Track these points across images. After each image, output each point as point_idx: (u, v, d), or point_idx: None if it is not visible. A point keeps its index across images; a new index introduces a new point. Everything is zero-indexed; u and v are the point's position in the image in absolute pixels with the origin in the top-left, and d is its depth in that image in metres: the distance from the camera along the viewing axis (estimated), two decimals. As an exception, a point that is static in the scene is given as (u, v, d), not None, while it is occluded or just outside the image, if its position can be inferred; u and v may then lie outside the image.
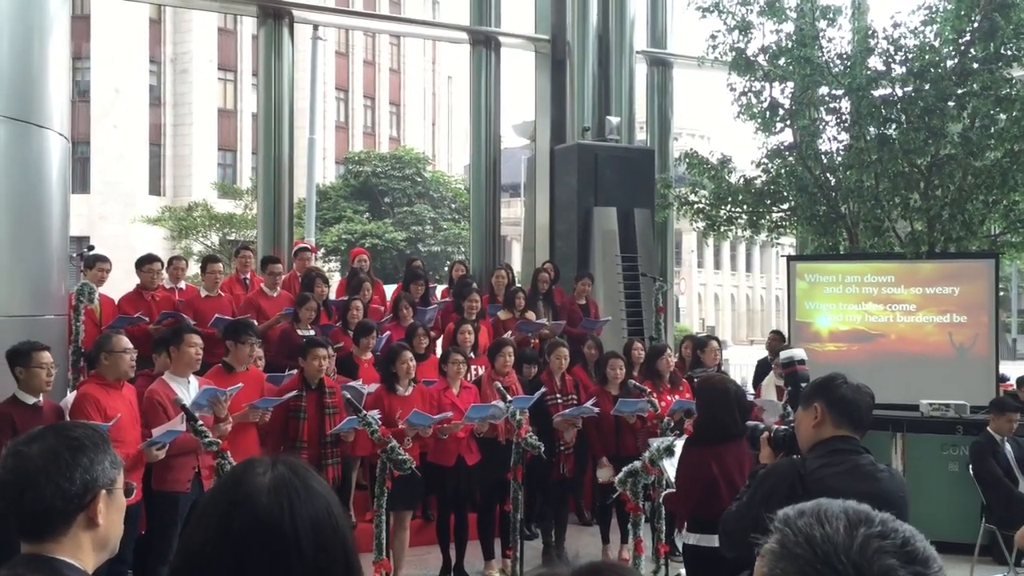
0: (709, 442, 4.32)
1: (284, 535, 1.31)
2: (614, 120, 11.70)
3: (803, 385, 3.37)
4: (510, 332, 8.24)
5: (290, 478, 1.36)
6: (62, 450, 1.75)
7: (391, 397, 6.35)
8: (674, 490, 4.69)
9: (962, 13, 9.18)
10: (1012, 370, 11.97)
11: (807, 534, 1.10)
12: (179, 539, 1.40)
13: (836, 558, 1.07)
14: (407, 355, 6.46)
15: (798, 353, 3.90)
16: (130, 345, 5.24)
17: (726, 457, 4.22)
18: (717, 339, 8.60)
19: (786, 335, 9.54)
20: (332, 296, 9.12)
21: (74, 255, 8.01)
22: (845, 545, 1.08)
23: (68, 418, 4.99)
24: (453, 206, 31.85)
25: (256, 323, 6.86)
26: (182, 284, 8.49)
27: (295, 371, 6.55)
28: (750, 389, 9.22)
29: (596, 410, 6.87)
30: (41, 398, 4.97)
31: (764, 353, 10.62)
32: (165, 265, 8.34)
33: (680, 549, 7.26)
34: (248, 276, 8.78)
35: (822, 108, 10.13)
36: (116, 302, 7.82)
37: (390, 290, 9.73)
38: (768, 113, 10.25)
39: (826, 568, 1.07)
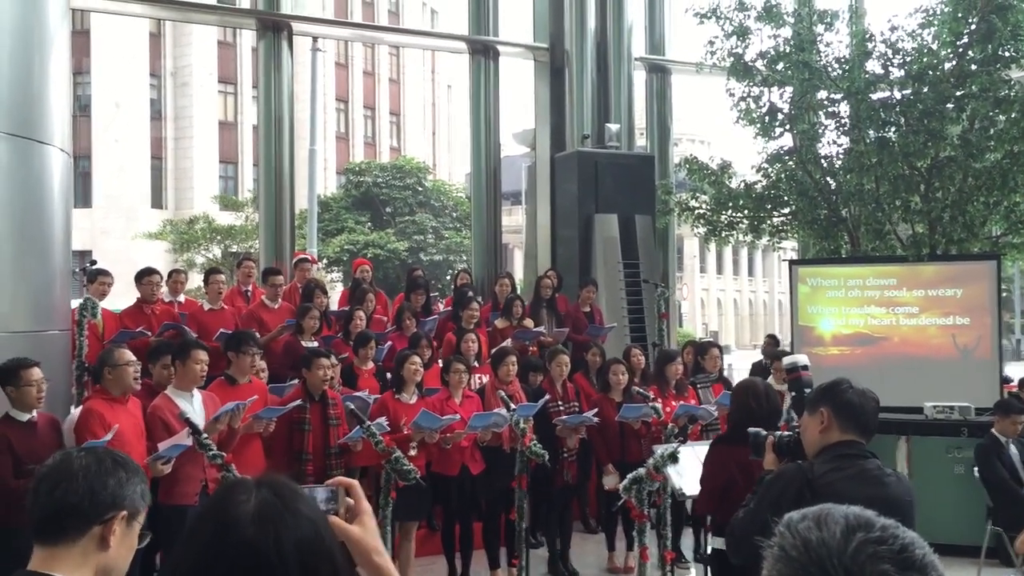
0: (734, 442, 4.27)
1: (270, 564, 1.30)
2: (614, 127, 11.71)
3: (807, 391, 3.36)
4: (508, 340, 8.24)
5: (275, 503, 1.35)
6: (107, 458, 1.87)
7: (396, 403, 6.35)
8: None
9: (959, 15, 9.20)
10: (1016, 371, 11.95)
11: (804, 537, 1.11)
12: (162, 570, 1.40)
13: (829, 562, 1.07)
14: (416, 359, 6.47)
15: (801, 359, 3.88)
16: (133, 358, 5.24)
17: (750, 461, 4.18)
18: (718, 345, 8.58)
19: (788, 339, 9.53)
20: (335, 307, 9.11)
21: (76, 270, 8.01)
22: (839, 549, 1.08)
23: (73, 434, 4.98)
24: (454, 215, 31.85)
25: (258, 335, 6.86)
26: (181, 297, 8.49)
27: (296, 381, 6.56)
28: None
29: (595, 420, 6.87)
30: (35, 414, 4.92)
31: (760, 357, 10.63)
32: (165, 278, 8.34)
33: (686, 556, 7.29)
34: (250, 288, 8.78)
35: (821, 112, 10.15)
36: (118, 316, 7.82)
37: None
38: (767, 118, 10.27)
39: (818, 571, 1.07)
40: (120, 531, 1.82)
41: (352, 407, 5.87)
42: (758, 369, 10.08)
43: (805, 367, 3.78)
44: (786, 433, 3.31)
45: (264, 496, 1.36)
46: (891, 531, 1.11)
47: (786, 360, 4.11)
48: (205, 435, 4.98)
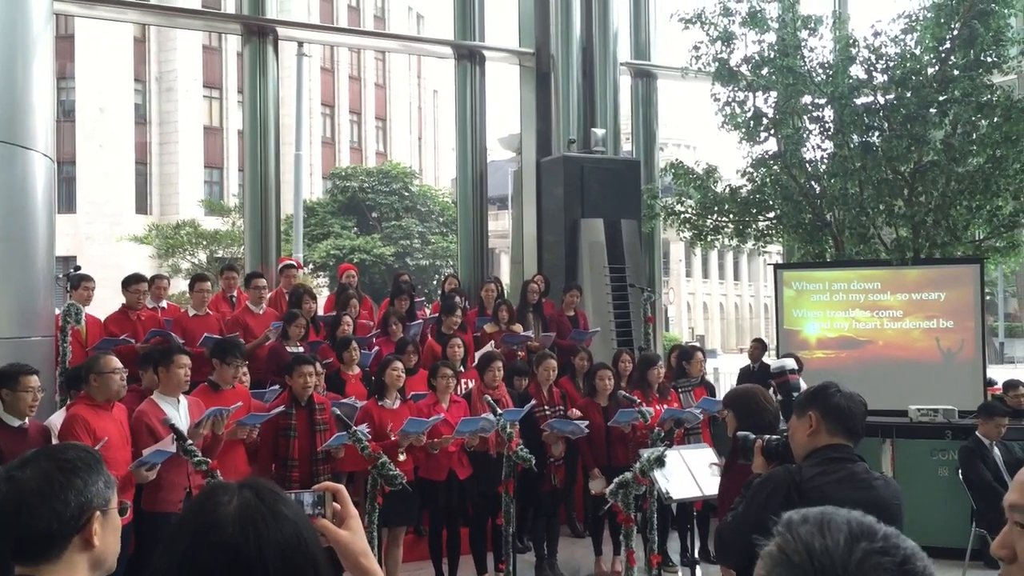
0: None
1: (251, 565, 1.30)
2: (599, 132, 11.74)
3: (795, 394, 3.37)
4: (492, 343, 8.24)
5: (256, 504, 1.35)
6: (55, 473, 1.74)
7: (381, 410, 6.33)
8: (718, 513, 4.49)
9: (942, 21, 9.28)
10: (999, 374, 12.03)
11: (807, 543, 1.09)
12: (145, 571, 1.39)
13: (832, 571, 1.06)
14: (398, 365, 6.45)
15: (789, 363, 3.91)
16: (119, 365, 5.20)
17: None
18: (702, 350, 8.61)
19: (774, 343, 9.57)
20: (320, 312, 9.08)
21: (60, 276, 7.96)
22: (843, 559, 1.07)
23: (56, 439, 4.95)
24: (441, 220, 31.83)
25: (244, 342, 6.83)
26: (164, 303, 8.45)
27: (276, 387, 6.53)
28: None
29: (586, 430, 6.87)
30: (27, 421, 4.93)
31: (748, 362, 10.67)
32: (149, 284, 8.30)
33: (673, 560, 7.29)
34: (235, 294, 8.75)
35: (805, 117, 10.20)
36: (102, 322, 7.78)
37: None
38: (752, 122, 10.31)
39: None
40: (99, 526, 1.76)
41: (338, 412, 5.85)
42: (747, 374, 10.10)
43: (793, 371, 3.80)
44: (774, 437, 3.32)
45: (246, 498, 1.36)
46: (893, 541, 1.10)
47: (774, 364, 4.12)
48: (190, 441, 4.95)
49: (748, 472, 4.07)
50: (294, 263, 9.99)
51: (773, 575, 1.11)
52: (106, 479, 1.80)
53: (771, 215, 10.67)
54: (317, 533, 1.47)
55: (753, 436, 3.39)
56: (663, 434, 6.67)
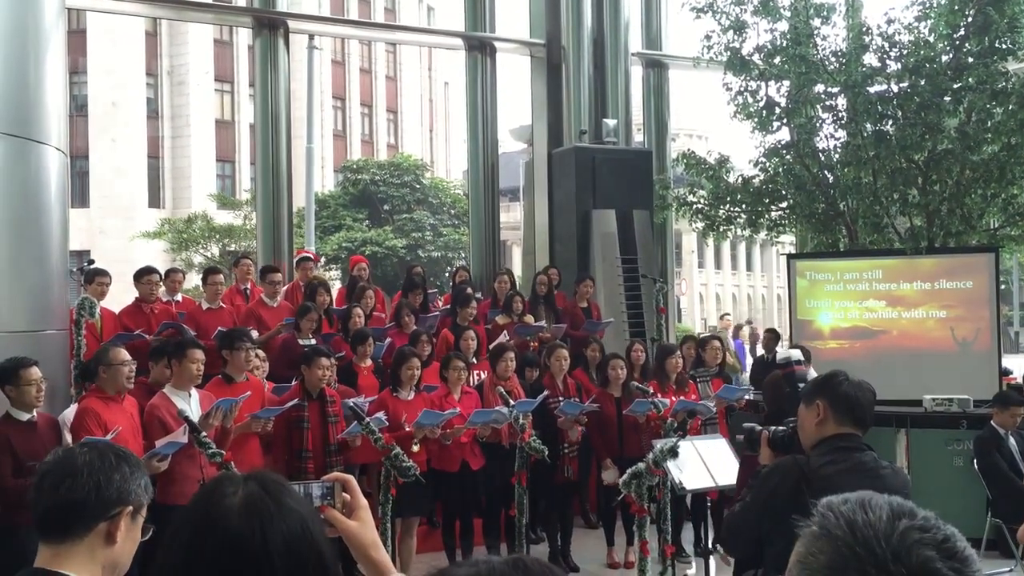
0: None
1: (256, 557, 1.31)
2: (611, 122, 11.70)
3: (801, 385, 3.37)
4: (505, 334, 8.24)
5: (261, 496, 1.36)
6: (110, 453, 1.85)
7: (395, 401, 6.35)
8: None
9: (956, 8, 9.21)
10: (1015, 363, 11.97)
11: (849, 518, 1.12)
12: (154, 564, 1.40)
13: (876, 543, 1.08)
14: (415, 362, 6.45)
15: (795, 353, 3.89)
16: (128, 357, 5.23)
17: None
18: (720, 338, 8.57)
19: (787, 333, 9.54)
20: (333, 305, 9.10)
21: (74, 270, 8.00)
22: (886, 532, 1.09)
23: (69, 432, 4.99)
24: (452, 212, 31.78)
25: (256, 333, 6.86)
26: (179, 296, 8.48)
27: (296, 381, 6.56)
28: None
29: (597, 406, 6.88)
30: (35, 414, 4.94)
31: (760, 352, 10.64)
32: (163, 277, 8.33)
33: (687, 550, 7.29)
34: (248, 287, 8.77)
35: (818, 106, 10.15)
36: (116, 315, 7.82)
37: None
38: (764, 112, 10.26)
39: (864, 551, 1.08)
40: (125, 526, 1.82)
41: (352, 404, 5.88)
42: (760, 365, 10.09)
43: (799, 361, 3.78)
44: (780, 427, 3.32)
45: (251, 489, 1.37)
46: (933, 521, 1.12)
47: (780, 355, 4.11)
48: (203, 433, 4.98)
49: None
50: (310, 256, 10.02)
51: (813, 549, 1.13)
52: (146, 484, 1.89)
53: (784, 205, 10.63)
54: (323, 525, 1.47)
55: (759, 427, 3.39)
56: (676, 425, 6.66)
